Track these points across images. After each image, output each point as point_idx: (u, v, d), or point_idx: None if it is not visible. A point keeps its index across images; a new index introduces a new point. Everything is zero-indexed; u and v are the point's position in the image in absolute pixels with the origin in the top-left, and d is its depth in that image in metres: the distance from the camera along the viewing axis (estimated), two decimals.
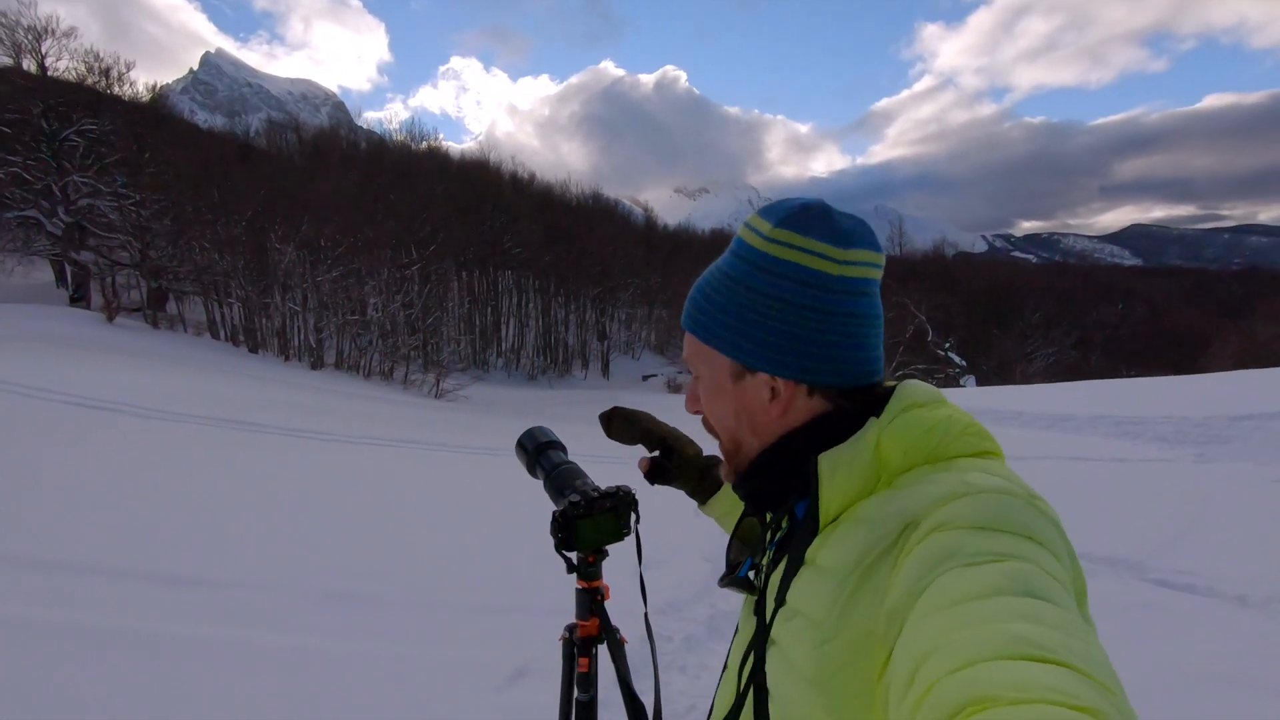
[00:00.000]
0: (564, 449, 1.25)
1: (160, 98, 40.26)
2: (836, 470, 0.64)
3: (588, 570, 1.11)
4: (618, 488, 1.11)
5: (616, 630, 1.13)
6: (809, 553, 0.64)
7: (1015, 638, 0.41)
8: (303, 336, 32.40)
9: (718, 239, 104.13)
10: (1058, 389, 20.95)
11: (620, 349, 62.31)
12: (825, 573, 0.61)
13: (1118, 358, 58.17)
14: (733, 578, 0.76)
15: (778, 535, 0.73)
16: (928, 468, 0.62)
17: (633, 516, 1.12)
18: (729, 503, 1.05)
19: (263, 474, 6.59)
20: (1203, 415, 12.06)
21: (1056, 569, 0.50)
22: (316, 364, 30.66)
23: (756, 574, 0.75)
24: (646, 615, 1.15)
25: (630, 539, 1.12)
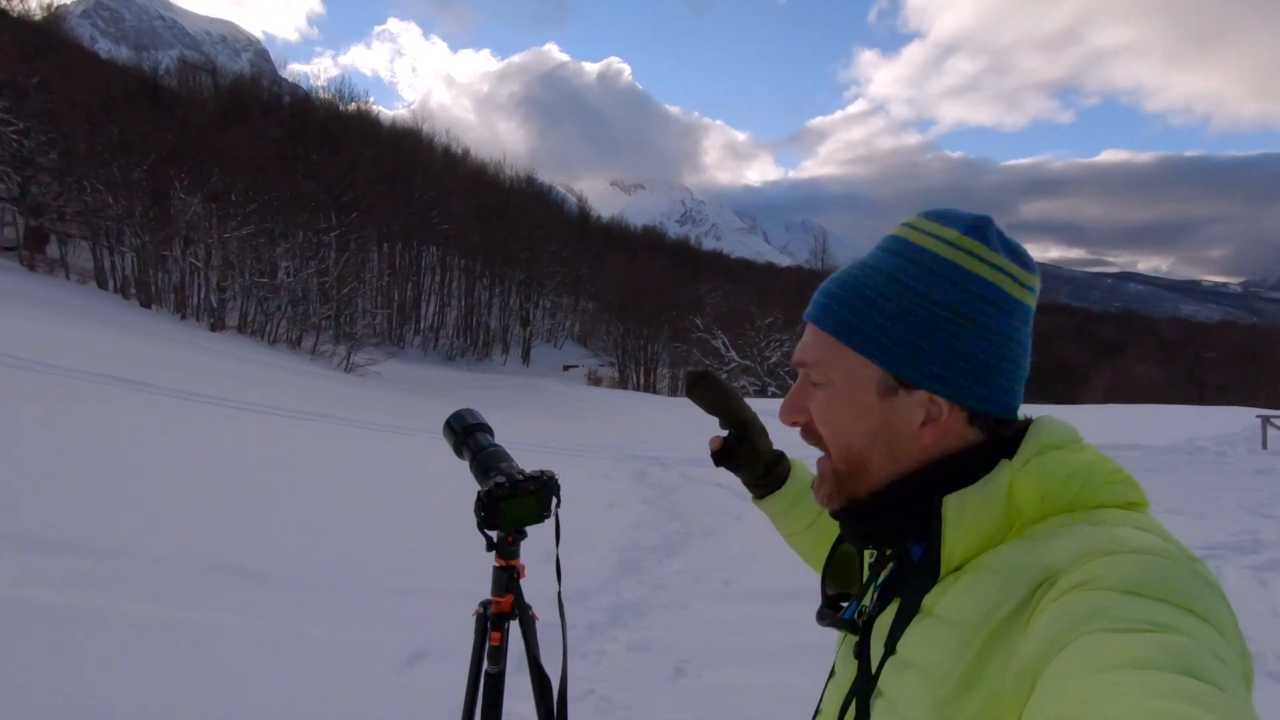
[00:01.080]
0: (491, 432, 1.30)
1: (55, 19, 36.66)
2: (964, 514, 0.58)
3: (507, 549, 1.16)
4: (542, 472, 1.16)
5: (529, 607, 1.18)
6: (926, 601, 0.60)
7: (1166, 716, 0.36)
8: (203, 295, 30.34)
9: (650, 236, 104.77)
10: None
11: (543, 337, 61.75)
12: (947, 625, 0.56)
13: None
14: (836, 618, 0.70)
15: (882, 575, 0.68)
16: (1067, 517, 0.57)
17: (554, 501, 1.17)
18: (787, 502, 1.00)
19: (150, 437, 6.19)
20: None
21: (1223, 649, 0.44)
22: (217, 325, 28.81)
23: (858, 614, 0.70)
24: (560, 595, 1.21)
25: (550, 522, 1.18)
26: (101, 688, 2.36)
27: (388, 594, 3.56)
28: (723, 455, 0.98)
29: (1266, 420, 15.22)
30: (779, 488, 1.00)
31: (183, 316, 28.73)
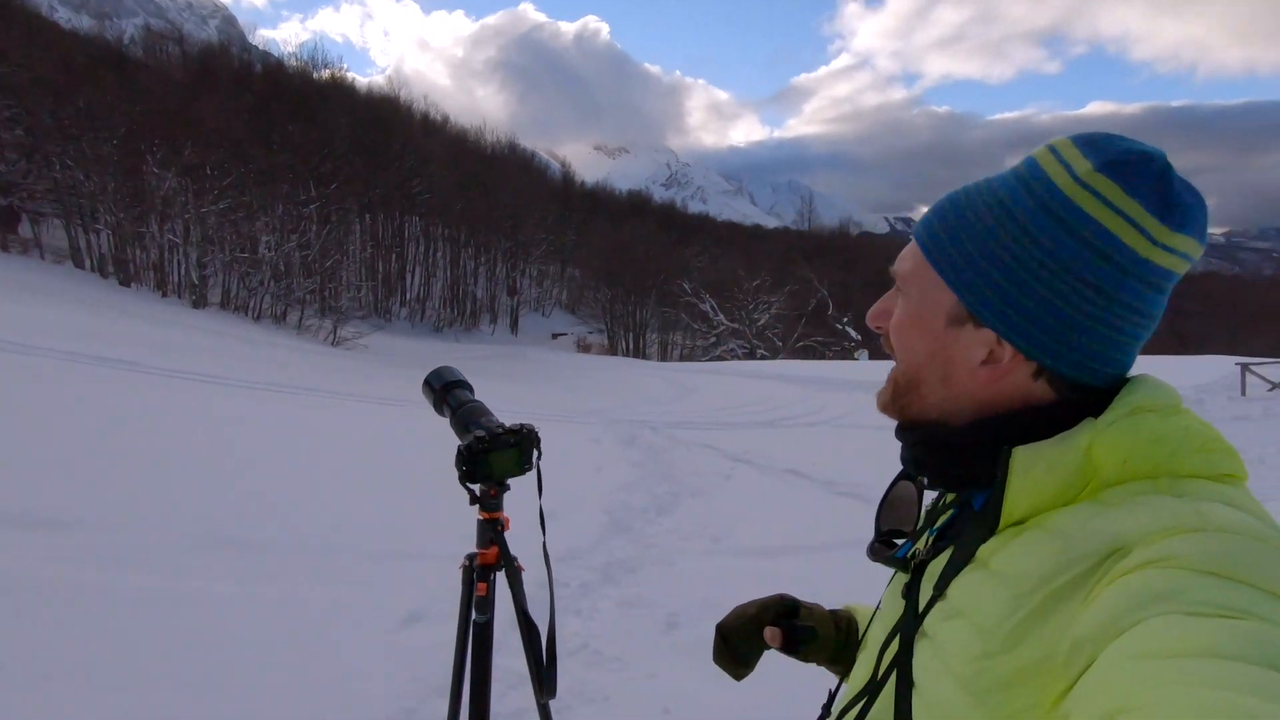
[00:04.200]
0: (471, 388, 1.31)
1: None
2: (1032, 469, 0.54)
3: (490, 502, 1.18)
4: (522, 425, 1.18)
5: (515, 559, 1.21)
6: (982, 552, 0.57)
7: (1243, 716, 0.33)
8: (183, 271, 29.88)
9: (636, 200, 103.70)
10: None
11: (531, 305, 61.46)
12: (1002, 580, 0.53)
13: None
14: (889, 555, 0.68)
15: (940, 518, 0.67)
16: (1147, 483, 0.52)
17: (535, 453, 1.19)
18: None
19: (138, 414, 6.16)
20: None
21: None
22: (199, 302, 28.45)
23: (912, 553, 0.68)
24: (545, 544, 1.24)
25: (532, 474, 1.20)
26: (94, 659, 2.39)
27: (381, 558, 3.60)
28: (790, 641, 0.84)
29: (1245, 368, 15.51)
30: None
31: (164, 294, 28.32)
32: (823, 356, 48.33)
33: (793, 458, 7.73)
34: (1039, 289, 0.55)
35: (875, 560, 0.69)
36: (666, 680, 2.74)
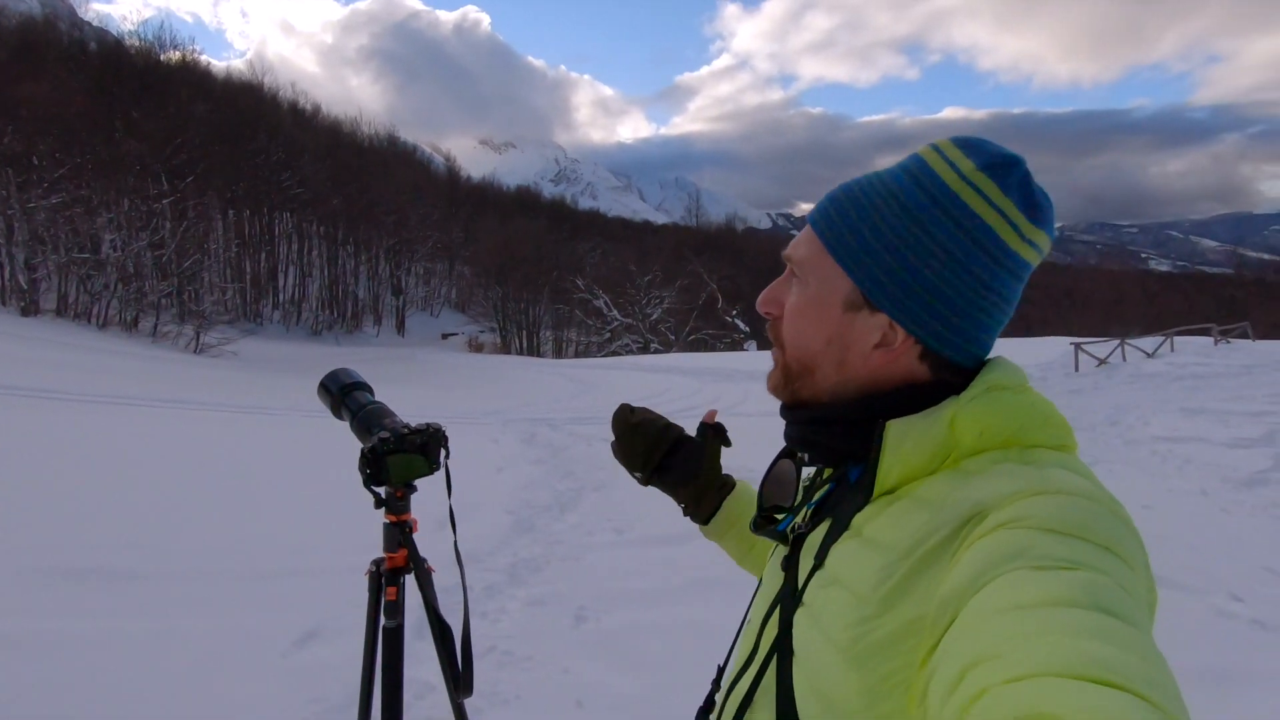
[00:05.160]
0: (370, 390, 1.26)
1: None
2: (904, 441, 0.60)
3: (396, 504, 1.15)
4: (428, 424, 1.15)
5: (424, 560, 1.18)
6: (857, 520, 0.61)
7: (1083, 656, 0.38)
8: (8, 275, 26.39)
9: (525, 196, 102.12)
10: None
11: (418, 305, 59.20)
12: (874, 547, 0.58)
13: None
14: (769, 529, 0.72)
15: (819, 492, 0.70)
16: (999, 453, 0.58)
17: (443, 452, 1.17)
18: (739, 531, 0.95)
19: None
20: None
21: (1134, 585, 0.47)
22: (29, 309, 25.23)
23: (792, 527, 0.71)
24: (456, 544, 1.22)
25: (439, 475, 1.18)
26: None
27: (268, 578, 3.37)
28: (717, 436, 0.93)
29: (1078, 347, 17.53)
30: (715, 511, 0.96)
31: None
32: (714, 348, 49.79)
33: None
34: (929, 276, 0.60)
35: (758, 534, 0.73)
36: (578, 674, 2.75)
